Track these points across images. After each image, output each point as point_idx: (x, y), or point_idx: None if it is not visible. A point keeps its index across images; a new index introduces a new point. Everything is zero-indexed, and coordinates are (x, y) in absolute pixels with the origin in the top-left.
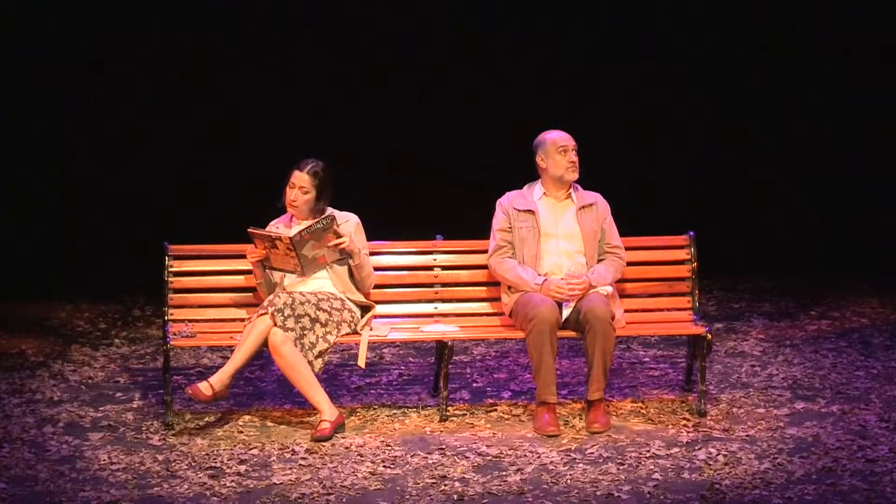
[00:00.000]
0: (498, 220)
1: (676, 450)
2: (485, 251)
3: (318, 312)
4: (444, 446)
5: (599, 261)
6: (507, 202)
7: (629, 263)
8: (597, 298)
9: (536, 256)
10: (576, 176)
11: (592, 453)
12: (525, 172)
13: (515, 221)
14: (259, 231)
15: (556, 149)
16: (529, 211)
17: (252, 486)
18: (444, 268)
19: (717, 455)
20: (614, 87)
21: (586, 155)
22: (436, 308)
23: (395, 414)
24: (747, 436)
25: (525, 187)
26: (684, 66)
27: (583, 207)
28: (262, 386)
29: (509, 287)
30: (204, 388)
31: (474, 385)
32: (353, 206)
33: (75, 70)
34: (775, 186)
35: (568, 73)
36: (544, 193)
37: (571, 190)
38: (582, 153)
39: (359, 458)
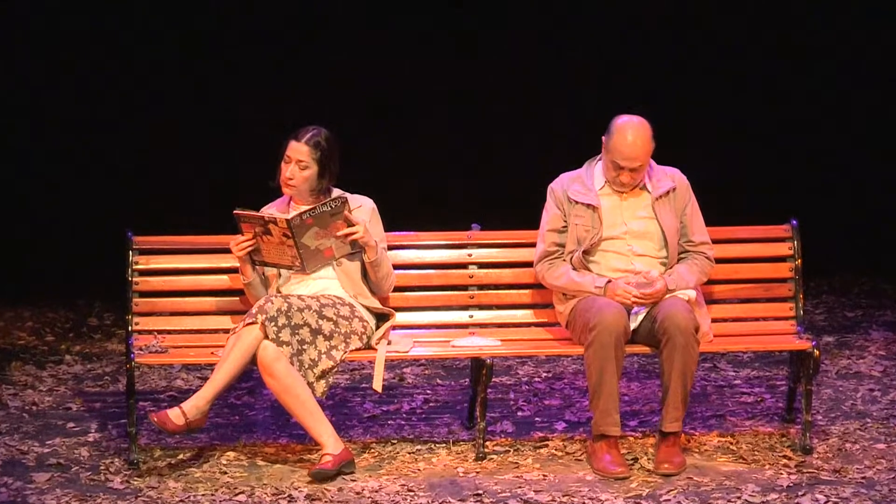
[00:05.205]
0: (549, 216)
1: (775, 496)
2: (533, 243)
3: (320, 322)
4: (480, 491)
5: (679, 260)
6: (561, 189)
7: (716, 261)
8: (677, 304)
9: (590, 261)
10: (625, 190)
11: (669, 500)
12: (588, 151)
13: (571, 217)
14: (248, 213)
15: (613, 163)
16: (590, 206)
17: None
18: (482, 265)
19: (826, 502)
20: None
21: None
22: (471, 317)
23: (419, 451)
24: (864, 478)
25: (585, 166)
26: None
27: (660, 197)
28: (250, 415)
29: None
30: (174, 415)
31: (519, 414)
32: (368, 187)
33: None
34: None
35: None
36: (607, 182)
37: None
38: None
39: None
